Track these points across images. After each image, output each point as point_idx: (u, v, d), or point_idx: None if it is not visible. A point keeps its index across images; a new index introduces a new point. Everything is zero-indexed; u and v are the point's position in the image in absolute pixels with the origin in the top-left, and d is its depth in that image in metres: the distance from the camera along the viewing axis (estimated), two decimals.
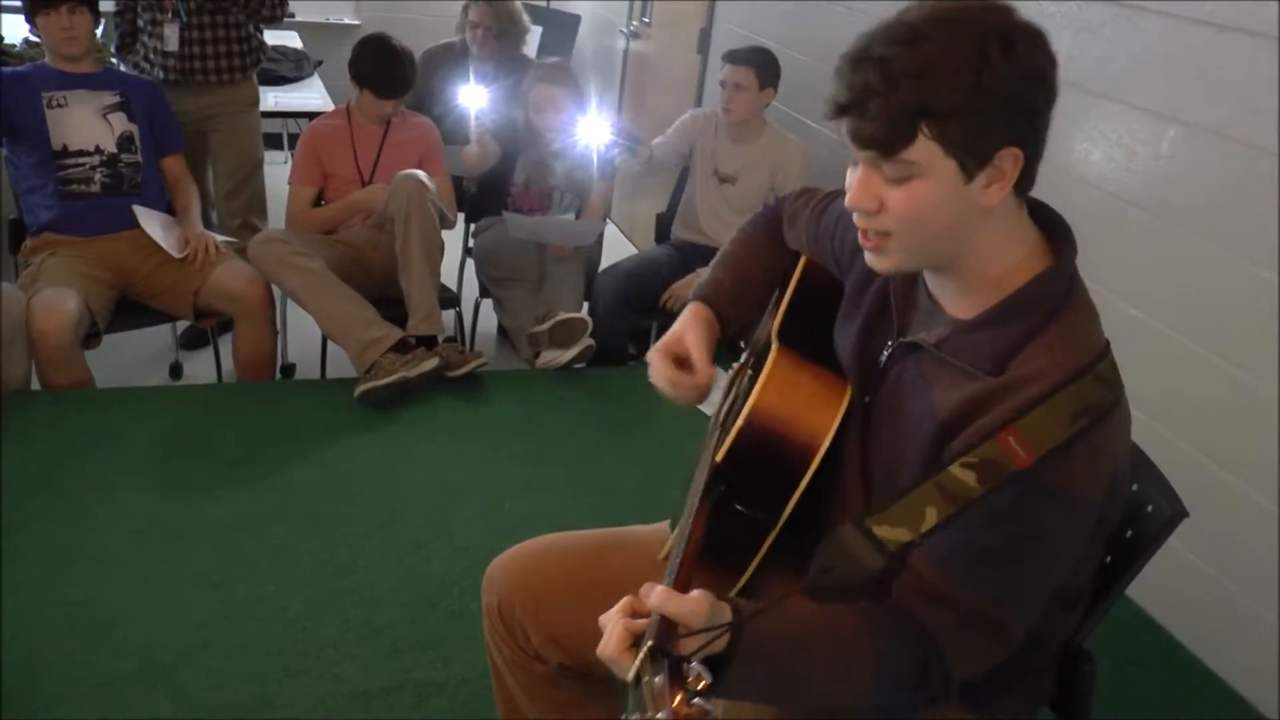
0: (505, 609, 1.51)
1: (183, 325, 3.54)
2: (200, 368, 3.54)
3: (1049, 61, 1.08)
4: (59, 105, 3.09)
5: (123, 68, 3.65)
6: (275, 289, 3.21)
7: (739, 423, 1.32)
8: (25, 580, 2.15)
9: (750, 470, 1.31)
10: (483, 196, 3.81)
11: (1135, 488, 1.44)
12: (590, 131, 3.52)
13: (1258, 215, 2.16)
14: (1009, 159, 1.08)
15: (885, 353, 1.27)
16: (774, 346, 1.38)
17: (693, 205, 3.68)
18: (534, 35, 5.22)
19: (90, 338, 2.97)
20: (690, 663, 0.97)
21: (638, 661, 0.98)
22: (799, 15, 3.89)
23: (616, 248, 4.71)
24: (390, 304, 3.23)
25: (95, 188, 3.13)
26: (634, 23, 5.06)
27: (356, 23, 5.88)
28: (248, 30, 3.67)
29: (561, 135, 3.59)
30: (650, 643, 0.98)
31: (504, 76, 4.03)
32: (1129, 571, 1.40)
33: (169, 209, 3.33)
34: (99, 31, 3.27)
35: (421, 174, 3.24)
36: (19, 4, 3.17)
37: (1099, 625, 1.37)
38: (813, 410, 1.31)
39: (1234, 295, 2.24)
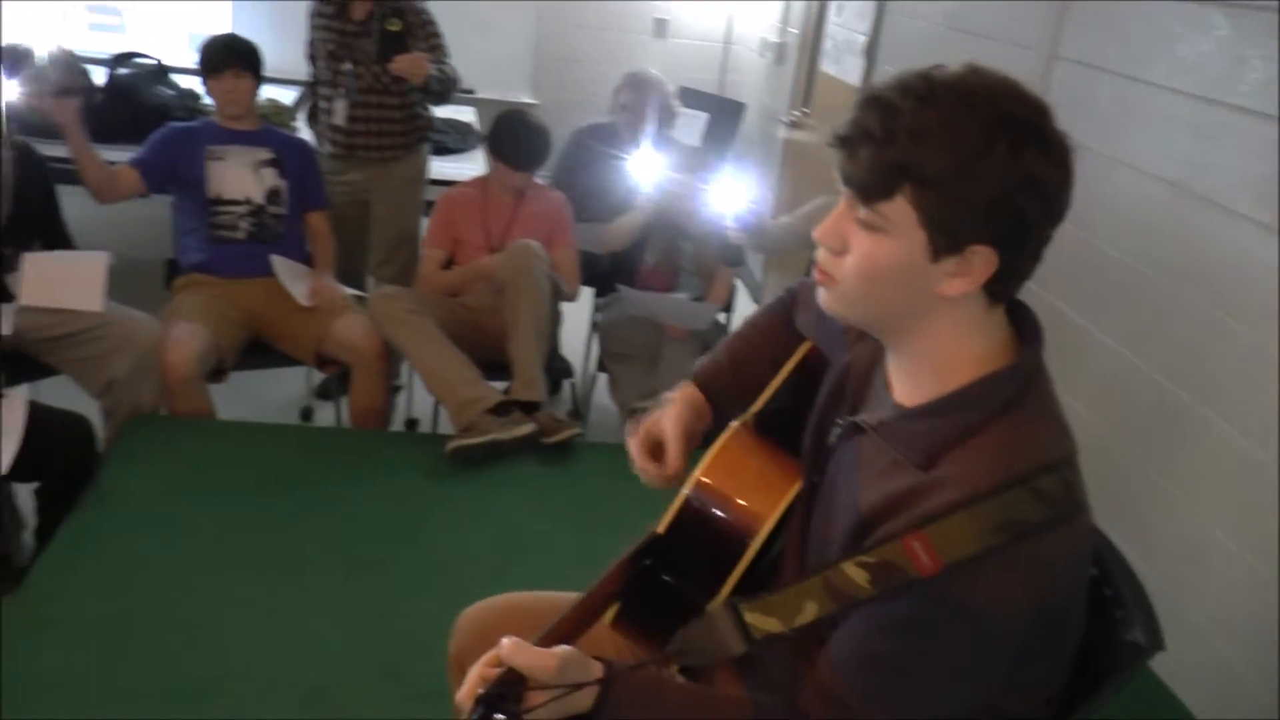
0: (465, 658, 1.58)
1: (319, 375, 3.83)
2: (330, 415, 3.80)
3: (1059, 178, 1.05)
4: (218, 158, 3.44)
5: (305, 134, 4.02)
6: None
7: (679, 497, 1.36)
8: (96, 586, 2.37)
9: (688, 545, 1.35)
10: (612, 272, 3.96)
11: (1120, 614, 1.37)
12: (718, 217, 3.62)
13: None
14: (980, 257, 1.06)
15: (835, 432, 1.27)
16: (732, 426, 1.42)
17: None
18: (699, 121, 5.42)
19: (217, 373, 3.25)
20: (523, 716, 1.03)
21: (468, 710, 1.05)
22: None
23: None
24: (503, 369, 3.40)
25: (241, 235, 3.46)
26: (794, 112, 5.18)
27: (534, 102, 6.23)
28: (414, 110, 3.96)
29: (691, 219, 3.71)
30: (481, 691, 1.04)
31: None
32: (1091, 700, 1.34)
33: (307, 260, 3.62)
34: (262, 95, 3.63)
35: (535, 244, 3.41)
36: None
37: None
38: (758, 492, 1.33)
39: None
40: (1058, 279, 2.69)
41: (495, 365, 3.41)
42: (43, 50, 3.14)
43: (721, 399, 1.56)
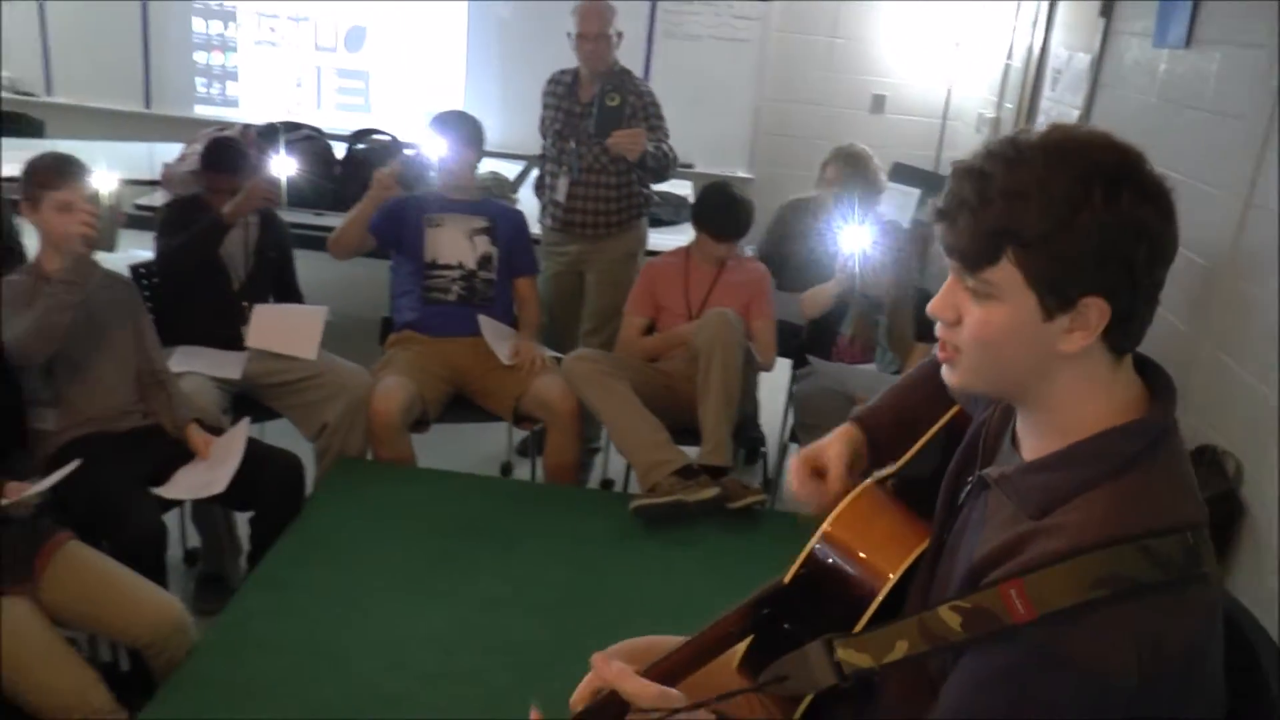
0: None
1: (521, 433, 4.05)
2: (528, 471, 4.01)
3: (1160, 218, 1.07)
4: (436, 225, 3.73)
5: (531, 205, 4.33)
6: None
7: (805, 549, 1.41)
8: (295, 609, 2.60)
9: (812, 596, 1.37)
10: (810, 343, 4.03)
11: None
12: (917, 293, 3.65)
13: None
14: (1094, 309, 1.06)
15: (965, 490, 1.29)
16: (865, 483, 1.46)
17: None
18: (910, 198, 5.43)
19: (420, 424, 3.50)
20: None
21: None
22: None
23: None
24: (695, 434, 3.51)
25: (452, 297, 3.73)
26: None
27: (750, 176, 6.40)
28: (633, 188, 4.17)
29: (887, 293, 3.75)
30: (580, 709, 1.14)
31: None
32: None
33: (514, 323, 3.86)
34: (486, 168, 3.92)
35: (730, 312, 3.53)
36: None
37: None
38: (885, 548, 1.34)
39: None
40: None
41: (688, 430, 3.53)
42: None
43: (881, 442, 1.58)
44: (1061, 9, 4.88)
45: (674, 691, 1.15)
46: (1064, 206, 1.03)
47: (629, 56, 6.16)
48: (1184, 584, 1.03)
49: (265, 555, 2.82)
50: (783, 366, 4.09)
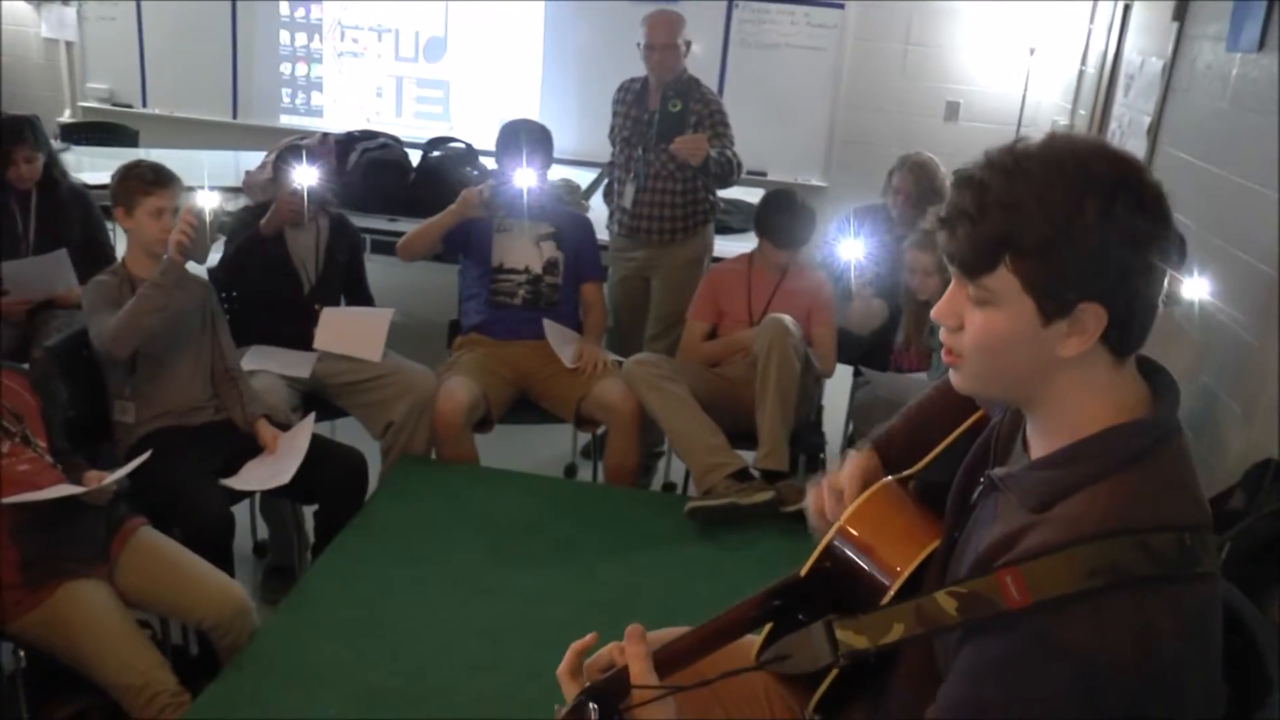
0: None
1: (585, 438, 4.15)
2: (591, 473, 4.10)
3: (1156, 226, 1.08)
4: (504, 230, 3.84)
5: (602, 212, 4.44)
6: None
7: (822, 543, 1.46)
8: (353, 599, 2.71)
9: (826, 589, 1.41)
10: (870, 352, 4.05)
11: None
12: None
13: None
14: (1090, 314, 1.09)
15: (977, 490, 1.32)
16: (883, 480, 1.50)
17: None
18: None
19: (484, 424, 3.61)
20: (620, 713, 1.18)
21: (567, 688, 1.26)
22: None
23: None
24: (754, 439, 3.55)
25: (517, 301, 3.83)
26: None
27: (823, 184, 6.42)
28: (699, 194, 4.24)
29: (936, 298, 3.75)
30: (589, 683, 1.21)
31: None
32: None
33: (579, 327, 3.95)
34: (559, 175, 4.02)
35: (788, 318, 3.57)
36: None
37: None
38: (899, 545, 1.38)
39: None
40: None
41: (748, 435, 3.58)
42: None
43: (894, 462, 1.59)
44: (1136, 12, 4.83)
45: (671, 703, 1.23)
46: (1060, 217, 1.06)
47: (705, 65, 6.27)
48: (1179, 581, 1.05)
49: (327, 547, 2.94)
50: (846, 373, 4.12)
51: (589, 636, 1.37)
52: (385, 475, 3.42)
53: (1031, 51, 5.82)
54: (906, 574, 1.34)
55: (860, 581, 1.37)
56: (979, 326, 1.14)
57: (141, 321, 2.86)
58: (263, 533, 3.47)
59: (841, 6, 6.17)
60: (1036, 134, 1.15)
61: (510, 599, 2.82)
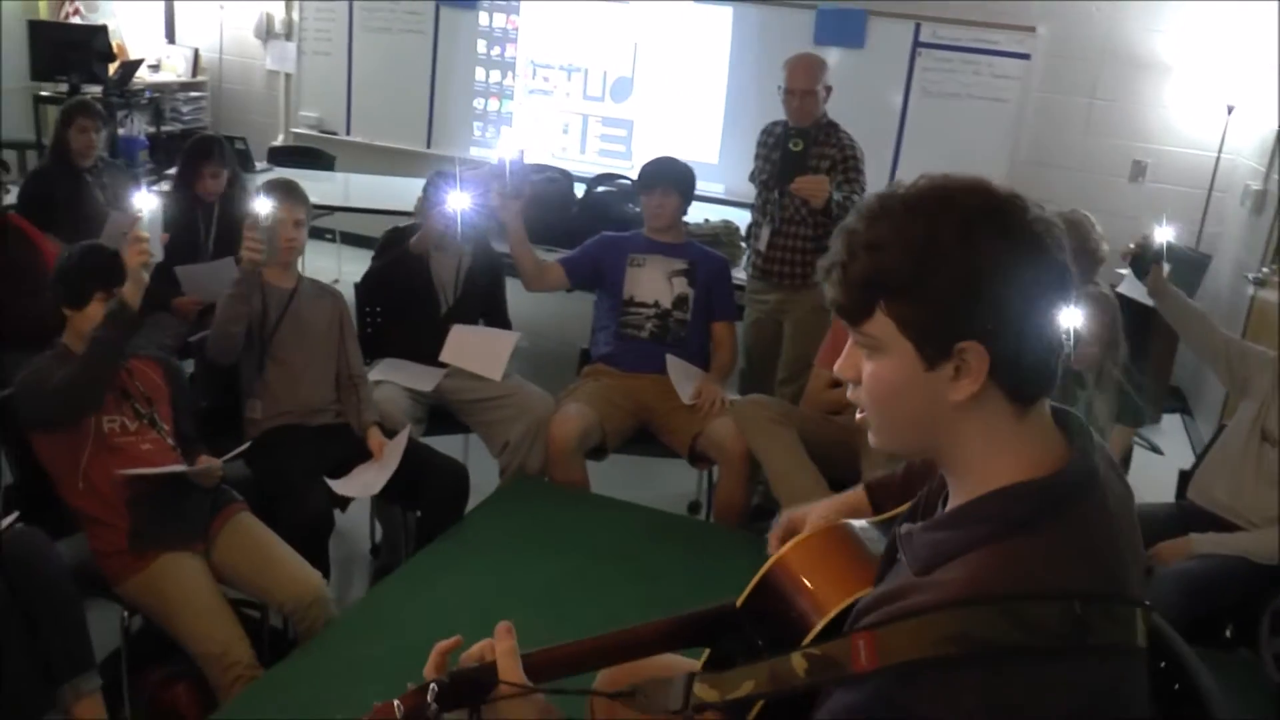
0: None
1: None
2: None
3: (1027, 257, 1.05)
4: (638, 264, 3.96)
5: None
6: None
7: (757, 574, 1.46)
8: (432, 601, 2.85)
9: (759, 619, 1.42)
10: None
11: None
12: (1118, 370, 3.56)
13: None
14: (972, 354, 1.05)
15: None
16: (838, 523, 1.50)
17: (1227, 464, 3.46)
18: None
19: (598, 451, 3.72)
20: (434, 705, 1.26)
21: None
22: None
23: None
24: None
25: (644, 334, 3.94)
26: (1264, 269, 4.82)
27: None
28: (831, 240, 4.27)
29: (1090, 369, 3.65)
30: (455, 669, 1.30)
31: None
32: None
33: (706, 365, 4.02)
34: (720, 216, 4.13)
35: None
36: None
37: None
38: (832, 585, 1.34)
39: None
40: None
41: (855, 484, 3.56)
42: (501, 157, 3.83)
43: (883, 504, 1.60)
44: None
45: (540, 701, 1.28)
46: (918, 249, 1.05)
47: (885, 114, 6.27)
48: (1061, 654, 0.99)
49: (419, 551, 3.11)
50: None
51: (454, 638, 1.42)
52: (497, 492, 3.57)
53: (1230, 110, 5.54)
54: (829, 616, 1.29)
55: (788, 618, 1.35)
56: (870, 376, 1.13)
57: (228, 330, 3.14)
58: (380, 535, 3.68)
59: (1028, 58, 6.05)
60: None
61: (583, 622, 2.82)
